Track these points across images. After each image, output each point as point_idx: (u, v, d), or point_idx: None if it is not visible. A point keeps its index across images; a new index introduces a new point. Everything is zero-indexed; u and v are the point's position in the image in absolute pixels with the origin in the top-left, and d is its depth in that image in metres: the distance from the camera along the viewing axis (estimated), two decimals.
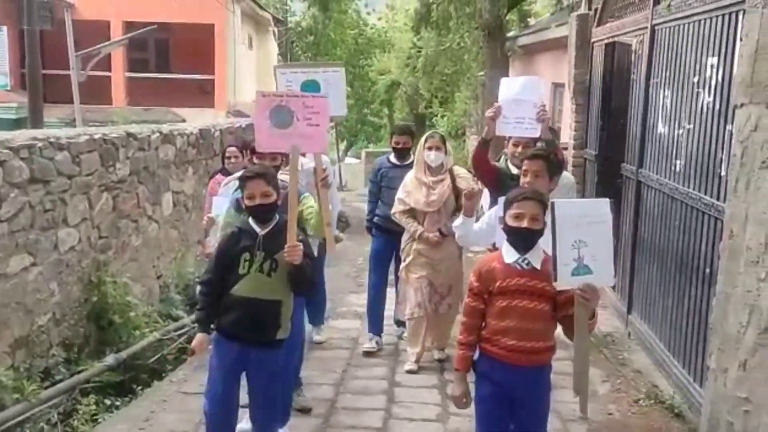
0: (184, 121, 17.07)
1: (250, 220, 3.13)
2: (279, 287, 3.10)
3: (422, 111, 22.80)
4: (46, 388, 4.29)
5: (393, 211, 4.92)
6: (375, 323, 5.36)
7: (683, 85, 4.55)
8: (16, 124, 17.50)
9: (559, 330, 2.89)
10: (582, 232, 2.55)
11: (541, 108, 3.93)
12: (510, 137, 4.19)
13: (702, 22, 4.29)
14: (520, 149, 4.08)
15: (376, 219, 5.33)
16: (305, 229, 3.56)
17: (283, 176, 3.38)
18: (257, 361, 3.14)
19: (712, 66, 4.08)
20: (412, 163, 5.07)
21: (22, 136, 4.46)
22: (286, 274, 3.07)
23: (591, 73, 7.24)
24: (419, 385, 4.66)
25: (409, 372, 4.87)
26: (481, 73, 14.57)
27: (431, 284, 4.86)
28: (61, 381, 4.46)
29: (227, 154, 5.28)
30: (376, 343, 5.29)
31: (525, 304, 2.70)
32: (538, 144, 3.97)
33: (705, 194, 4.07)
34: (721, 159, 3.84)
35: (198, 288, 3.22)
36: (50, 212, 4.65)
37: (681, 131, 4.57)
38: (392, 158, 5.31)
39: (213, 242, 3.93)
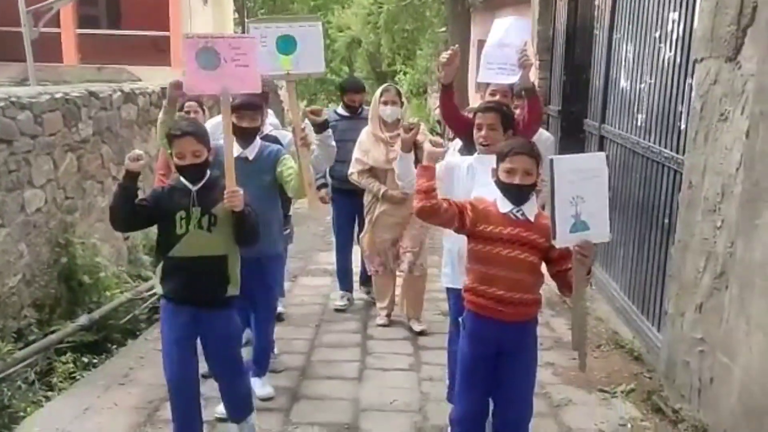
0: (140, 80, 16.68)
1: (181, 178, 2.99)
2: (221, 242, 2.97)
3: (384, 69, 22.60)
4: (20, 348, 4.28)
5: (350, 171, 4.73)
6: (344, 281, 5.42)
7: (645, 40, 4.65)
8: None
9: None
10: (579, 187, 2.48)
11: (523, 51, 3.51)
12: (488, 85, 3.85)
13: None
14: (498, 97, 3.72)
15: (332, 181, 5.12)
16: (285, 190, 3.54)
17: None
18: (210, 323, 3.01)
19: (673, 21, 4.18)
20: (361, 114, 4.94)
21: None
22: (226, 227, 2.96)
23: (554, 28, 7.32)
24: (391, 337, 4.79)
25: (381, 326, 4.92)
26: (443, 29, 14.54)
27: (395, 244, 4.77)
28: (34, 342, 4.45)
29: (186, 109, 4.78)
30: (348, 300, 5.36)
31: (516, 254, 2.64)
32: (515, 92, 3.80)
33: (665, 148, 4.21)
34: (681, 113, 3.97)
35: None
36: (15, 173, 4.56)
37: (643, 86, 4.70)
38: (340, 110, 5.12)
39: None
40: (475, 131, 3.18)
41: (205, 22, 19.91)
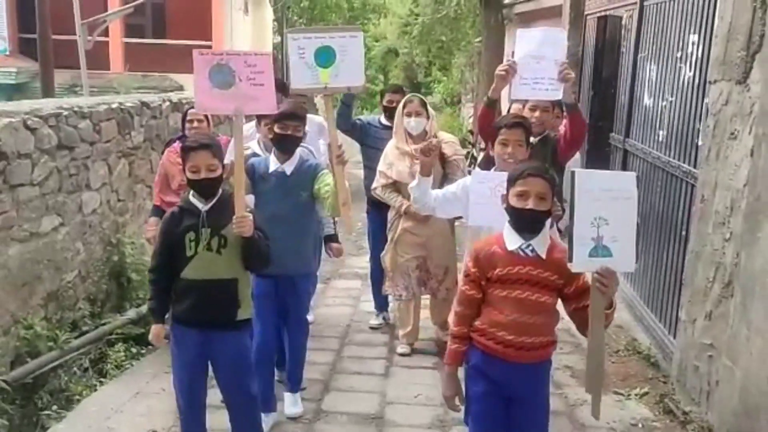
0: (181, 87, 17.29)
1: (191, 197, 2.91)
2: (231, 264, 2.88)
3: (420, 80, 22.88)
4: (75, 338, 4.66)
5: (374, 186, 4.57)
6: (379, 298, 5.24)
7: (667, 60, 4.86)
8: (16, 89, 17.65)
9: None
10: (603, 207, 2.26)
11: (564, 66, 3.30)
12: (526, 101, 3.71)
13: (686, 0, 4.58)
14: (537, 114, 3.64)
15: (368, 194, 4.92)
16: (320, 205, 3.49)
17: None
18: (220, 345, 2.93)
19: (693, 43, 4.39)
20: None
21: (48, 105, 4.75)
22: (237, 249, 2.86)
23: (584, 44, 7.53)
24: (418, 337, 5.04)
25: (402, 355, 4.69)
26: (478, 40, 14.77)
27: (421, 267, 4.55)
28: (88, 332, 4.83)
29: (188, 117, 4.45)
30: (383, 318, 5.28)
31: (527, 296, 2.44)
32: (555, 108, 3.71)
33: (683, 162, 4.41)
34: (698, 130, 4.17)
35: (148, 276, 3.01)
36: (75, 176, 4.96)
37: (664, 103, 4.90)
38: (383, 119, 5.00)
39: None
40: (498, 147, 3.11)
41: (244, 32, 20.54)
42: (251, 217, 2.80)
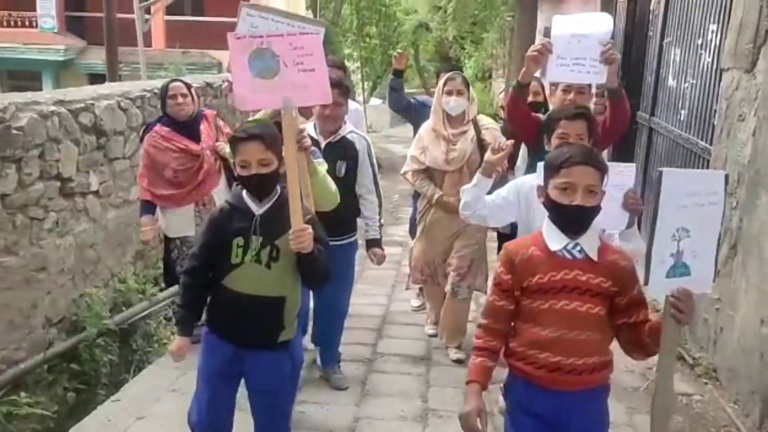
0: (220, 63, 17.92)
1: (244, 195, 2.47)
2: (282, 281, 2.46)
3: (451, 55, 23.15)
4: (160, 290, 5.35)
5: (404, 170, 4.18)
6: None
7: (689, 46, 5.31)
8: (63, 66, 18.47)
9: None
10: (687, 216, 1.89)
11: (609, 46, 2.99)
12: (557, 83, 3.36)
13: None
14: (572, 96, 3.27)
15: None
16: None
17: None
18: (255, 361, 2.51)
19: (712, 31, 4.84)
20: None
21: (136, 87, 5.39)
22: (289, 263, 2.43)
23: (614, 26, 7.92)
24: None
25: (431, 336, 4.57)
26: (510, 15, 15.09)
27: (446, 261, 4.18)
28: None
29: (170, 92, 3.94)
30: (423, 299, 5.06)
31: (575, 307, 2.01)
32: (593, 92, 3.31)
33: (701, 140, 4.89)
34: (714, 111, 4.65)
35: (181, 279, 2.56)
36: None
37: (686, 85, 5.36)
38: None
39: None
40: (557, 143, 2.67)
41: (280, 6, 21.04)
42: (310, 230, 2.36)
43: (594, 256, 2.03)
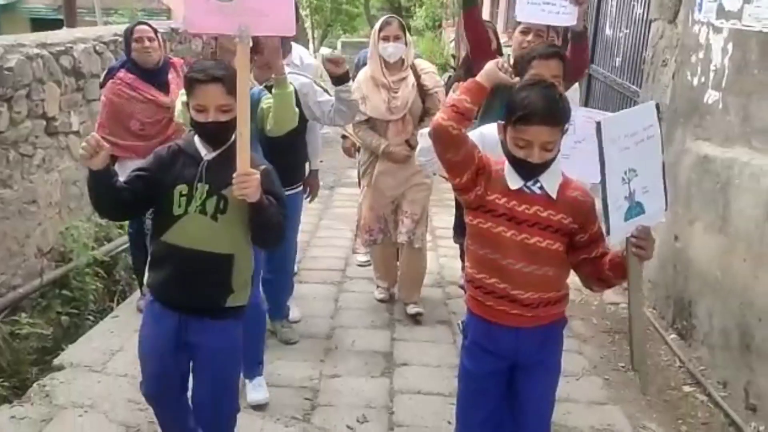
0: (169, 10, 17.70)
1: (196, 140, 2.26)
2: (230, 236, 2.23)
3: (402, 4, 23.23)
4: None
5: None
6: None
7: None
8: (3, 9, 17.86)
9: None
10: (631, 156, 1.90)
11: None
12: (519, 23, 3.22)
13: None
14: (530, 38, 3.12)
15: None
16: (263, 129, 2.88)
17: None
18: (200, 336, 2.28)
19: None
20: None
21: (108, 32, 5.63)
22: (239, 217, 2.20)
23: None
24: None
25: (381, 301, 4.37)
26: None
27: (397, 210, 4.08)
28: None
29: (135, 35, 3.64)
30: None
31: (536, 241, 2.01)
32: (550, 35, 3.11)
33: (633, 84, 5.47)
34: (644, 58, 5.21)
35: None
36: None
37: (621, 34, 5.92)
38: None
39: None
40: None
41: None
42: (257, 175, 2.10)
43: (553, 193, 2.03)
